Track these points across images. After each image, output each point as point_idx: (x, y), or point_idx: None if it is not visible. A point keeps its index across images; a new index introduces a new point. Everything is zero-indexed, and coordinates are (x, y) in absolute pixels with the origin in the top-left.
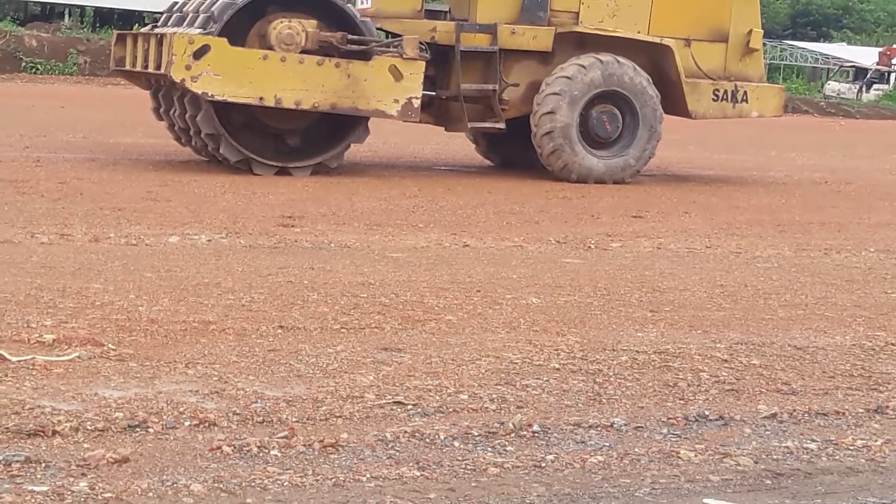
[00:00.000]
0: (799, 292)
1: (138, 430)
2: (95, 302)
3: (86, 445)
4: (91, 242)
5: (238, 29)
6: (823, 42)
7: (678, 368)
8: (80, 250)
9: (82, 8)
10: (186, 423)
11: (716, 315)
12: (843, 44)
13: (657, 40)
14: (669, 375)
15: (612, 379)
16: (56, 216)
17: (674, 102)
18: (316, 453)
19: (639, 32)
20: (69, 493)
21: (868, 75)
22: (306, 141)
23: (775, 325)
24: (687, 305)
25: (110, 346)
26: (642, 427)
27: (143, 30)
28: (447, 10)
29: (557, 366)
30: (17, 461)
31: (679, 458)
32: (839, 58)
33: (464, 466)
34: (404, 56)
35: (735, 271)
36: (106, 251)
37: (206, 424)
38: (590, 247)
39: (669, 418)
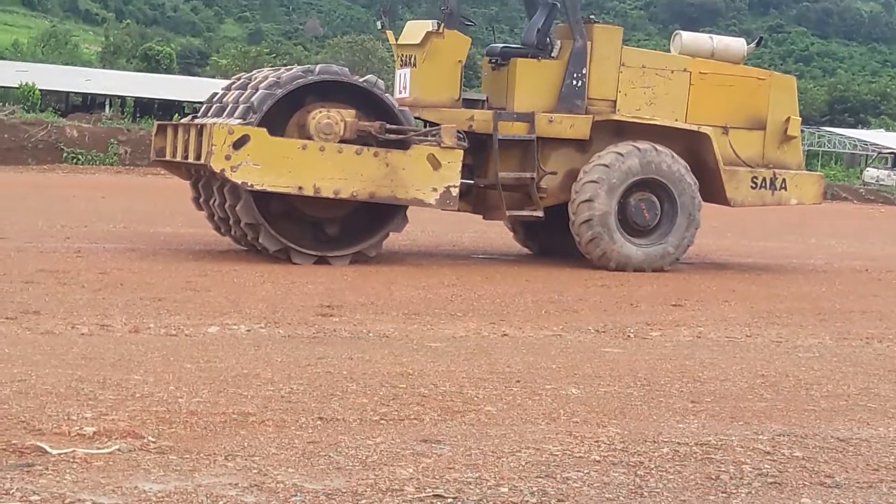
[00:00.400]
0: (841, 382)
1: None
2: (135, 394)
3: None
4: (131, 333)
5: (277, 119)
6: (861, 128)
7: (720, 461)
8: (120, 341)
9: (123, 98)
10: None
11: (757, 406)
12: (882, 130)
13: (695, 128)
14: (711, 468)
15: (653, 471)
16: (96, 307)
17: (712, 190)
18: None
19: (676, 120)
20: None
21: None
22: (345, 230)
23: (818, 416)
24: (728, 396)
25: (150, 438)
26: None
27: (184, 120)
28: (485, 98)
29: (598, 458)
30: None
31: None
32: (877, 144)
33: None
34: (442, 145)
35: (776, 361)
36: (146, 342)
37: None
38: (629, 336)
39: None
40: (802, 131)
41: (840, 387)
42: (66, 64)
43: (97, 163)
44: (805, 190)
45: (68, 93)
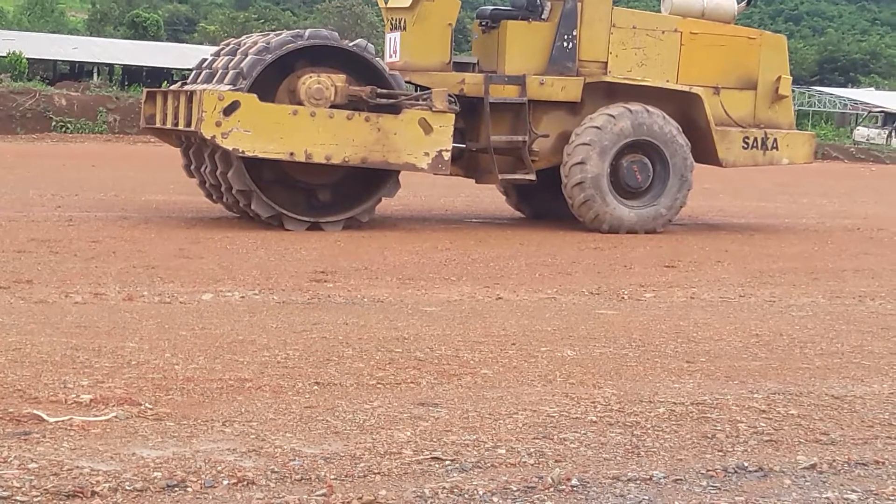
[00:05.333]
0: (835, 340)
1: (177, 489)
2: (131, 361)
3: None
4: (125, 301)
5: (267, 85)
6: (852, 87)
7: (716, 420)
8: (114, 309)
9: (111, 66)
10: (225, 483)
11: (752, 365)
12: (872, 89)
13: (686, 89)
14: (707, 427)
15: (649, 431)
16: (89, 275)
17: (704, 151)
18: None
19: (668, 81)
20: None
21: None
22: (337, 195)
23: (812, 375)
24: (723, 356)
25: (147, 405)
26: (681, 480)
27: (173, 87)
28: (475, 62)
29: (594, 419)
30: None
31: None
32: (868, 103)
33: None
34: (434, 109)
35: (770, 320)
36: (140, 310)
37: (245, 483)
38: (623, 297)
39: (708, 470)
40: (793, 91)
41: (834, 345)
42: (53, 32)
43: (86, 131)
44: (796, 149)
45: (56, 61)
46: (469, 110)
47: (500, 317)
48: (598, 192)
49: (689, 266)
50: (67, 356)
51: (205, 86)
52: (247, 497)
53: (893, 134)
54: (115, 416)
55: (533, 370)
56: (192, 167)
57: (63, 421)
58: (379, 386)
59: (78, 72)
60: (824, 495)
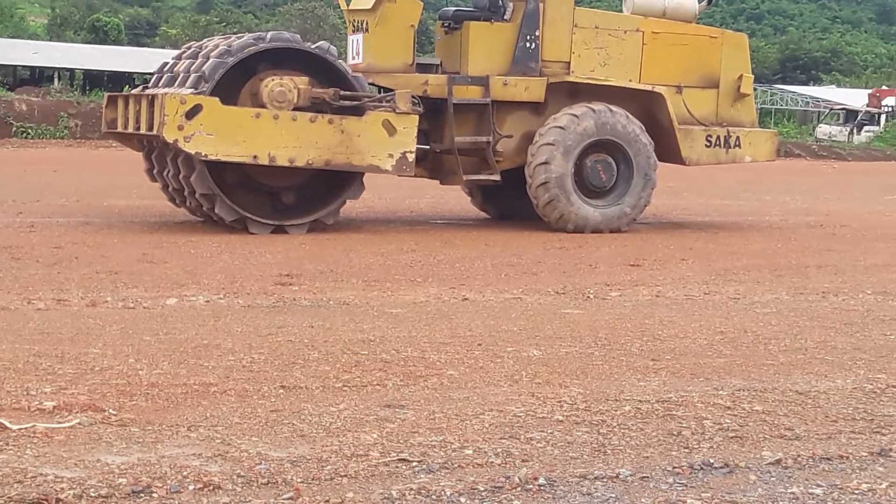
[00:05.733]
0: (798, 336)
1: (142, 495)
2: (95, 367)
3: None
4: (88, 307)
5: (230, 88)
6: (813, 85)
7: (682, 417)
8: (78, 315)
9: (71, 71)
10: (191, 487)
11: (717, 362)
12: (833, 87)
13: (649, 88)
14: (673, 424)
15: (616, 429)
16: (52, 281)
17: (667, 149)
18: None
19: (630, 81)
20: None
21: (858, 117)
22: (301, 198)
23: (776, 371)
24: (688, 353)
25: (111, 411)
26: (648, 477)
27: (135, 91)
28: (439, 63)
29: (561, 418)
30: None
31: None
32: (829, 101)
33: None
34: (397, 110)
35: (734, 317)
36: (103, 315)
37: (211, 488)
38: (589, 297)
39: (675, 467)
40: (755, 89)
41: (797, 341)
42: (13, 37)
43: (47, 136)
44: (759, 147)
45: (16, 66)
46: (433, 111)
47: (466, 318)
48: (563, 191)
49: (654, 264)
50: (30, 363)
51: (166, 89)
52: (213, 502)
53: (855, 131)
54: (79, 423)
55: (499, 370)
56: (155, 171)
57: (26, 428)
58: (345, 388)
59: (38, 77)
60: (790, 490)
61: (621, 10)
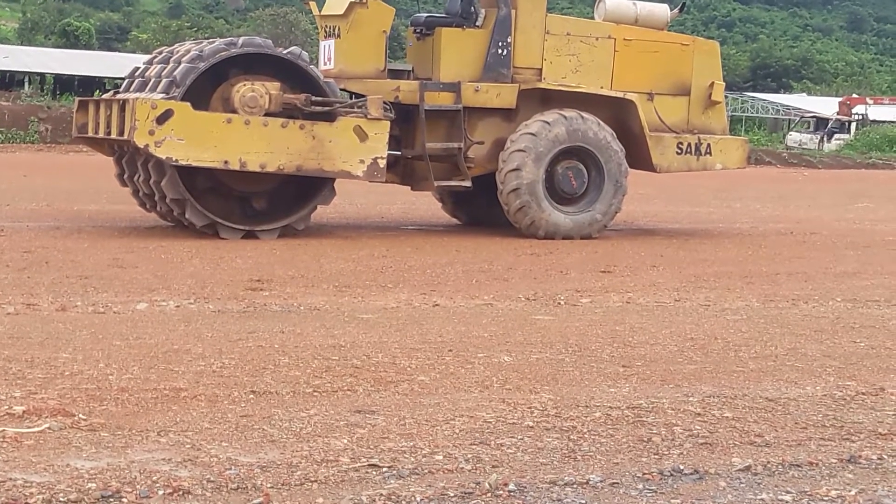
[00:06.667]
0: (768, 343)
1: (112, 500)
2: (64, 372)
3: None
4: (58, 312)
5: (201, 93)
6: (784, 93)
7: (652, 423)
8: (48, 320)
9: (42, 75)
10: (160, 493)
11: (687, 368)
12: (804, 94)
13: (620, 95)
14: (643, 430)
15: (586, 435)
16: (22, 286)
17: (638, 156)
18: None
19: (602, 88)
20: None
21: (829, 125)
22: (272, 204)
23: (746, 377)
24: (658, 360)
25: (81, 416)
26: (618, 483)
27: (105, 96)
28: (410, 69)
29: (531, 424)
30: None
31: None
32: (800, 108)
33: None
34: (368, 116)
35: (704, 324)
36: (73, 320)
37: (181, 493)
38: (560, 303)
39: (645, 473)
40: (726, 97)
41: (768, 348)
42: None
43: (17, 141)
44: (729, 155)
45: None
46: (404, 117)
47: (437, 323)
48: (534, 198)
49: (625, 271)
50: None
51: (137, 94)
52: None
53: (825, 139)
54: (49, 428)
55: (470, 376)
56: (126, 176)
57: None
58: (315, 394)
59: (8, 81)
60: (759, 497)
61: (593, 17)
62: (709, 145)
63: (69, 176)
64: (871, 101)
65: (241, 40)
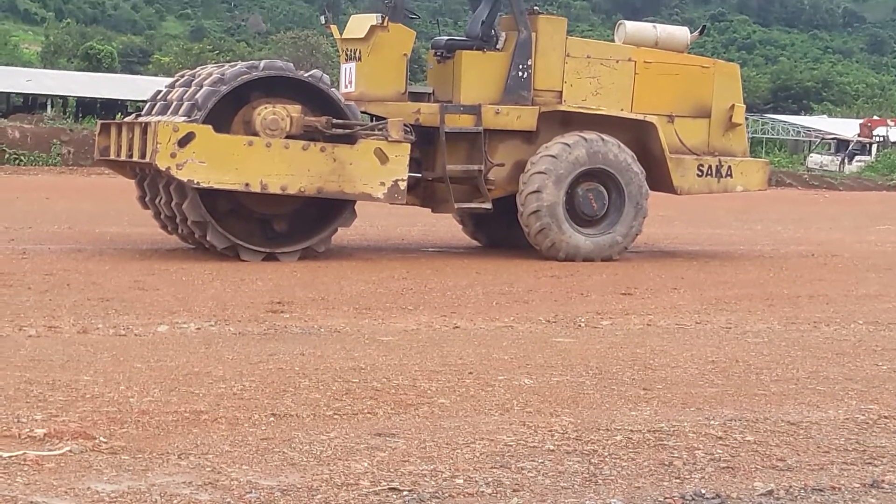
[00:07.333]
0: (790, 367)
1: None
2: (86, 394)
3: None
4: (79, 334)
5: (223, 116)
6: (805, 115)
7: (673, 447)
8: (69, 342)
9: (65, 98)
10: None
11: (708, 392)
12: (825, 116)
13: (640, 117)
14: (665, 454)
15: (607, 459)
16: (43, 308)
17: (659, 179)
18: None
19: (622, 110)
20: None
21: (850, 147)
22: (293, 226)
23: (768, 401)
24: (679, 382)
25: (102, 438)
26: None
27: (127, 119)
28: (431, 91)
29: (552, 447)
30: None
31: None
32: (820, 130)
33: None
34: (389, 139)
35: (726, 347)
36: (95, 342)
37: None
38: (580, 325)
39: (666, 498)
40: (746, 118)
41: (789, 371)
42: (7, 65)
43: (40, 164)
44: (750, 177)
45: (9, 94)
46: (425, 140)
47: (458, 346)
48: (554, 220)
49: (646, 293)
50: (21, 390)
51: (159, 117)
52: None
53: (846, 161)
54: (70, 451)
55: (490, 399)
56: (147, 199)
57: (16, 456)
58: (336, 416)
59: (31, 104)
60: None
61: (613, 40)
62: (729, 167)
63: (91, 198)
64: (892, 123)
65: (262, 63)
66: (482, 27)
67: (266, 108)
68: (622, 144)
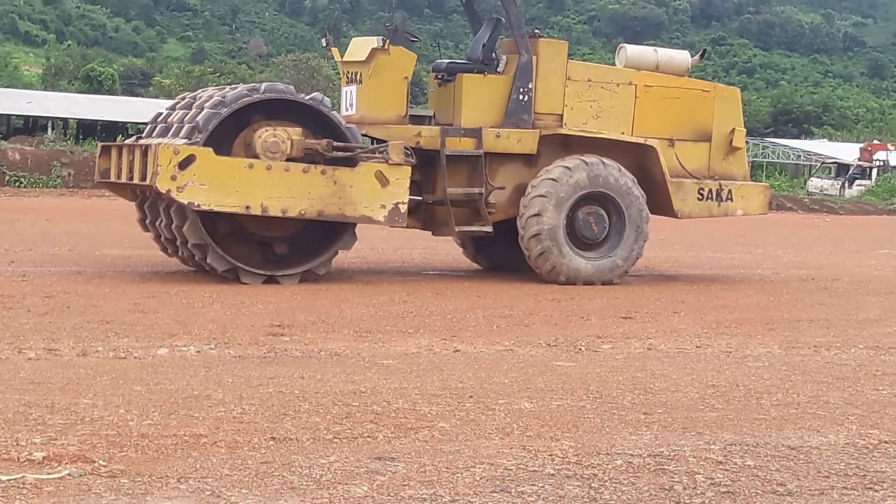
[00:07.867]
0: (790, 391)
1: None
2: (85, 418)
3: None
4: (79, 357)
5: (223, 138)
6: (805, 139)
7: (673, 471)
8: (68, 365)
9: (65, 120)
10: None
11: (709, 416)
12: (825, 140)
13: (641, 141)
14: (665, 479)
15: (607, 484)
16: (43, 331)
17: (659, 202)
18: None
19: (623, 133)
20: None
21: (850, 171)
22: (294, 249)
23: (768, 425)
24: (679, 407)
25: (101, 462)
26: None
27: (128, 141)
28: (432, 114)
29: (552, 471)
30: None
31: None
32: (821, 154)
33: None
34: (390, 161)
35: (726, 371)
36: (94, 365)
37: None
38: (580, 349)
39: None
40: (747, 142)
41: (790, 395)
42: (7, 86)
43: (40, 186)
44: (751, 200)
45: (9, 115)
46: (425, 163)
47: (458, 369)
48: (555, 243)
49: (646, 317)
50: (20, 413)
51: (160, 140)
52: None
53: (847, 185)
54: (69, 474)
55: (490, 423)
56: (147, 221)
57: (16, 479)
58: (336, 440)
59: (32, 126)
60: None
61: (614, 64)
62: (730, 191)
63: (91, 220)
64: (892, 147)
65: (263, 86)
66: (483, 50)
67: (267, 130)
68: (623, 168)
